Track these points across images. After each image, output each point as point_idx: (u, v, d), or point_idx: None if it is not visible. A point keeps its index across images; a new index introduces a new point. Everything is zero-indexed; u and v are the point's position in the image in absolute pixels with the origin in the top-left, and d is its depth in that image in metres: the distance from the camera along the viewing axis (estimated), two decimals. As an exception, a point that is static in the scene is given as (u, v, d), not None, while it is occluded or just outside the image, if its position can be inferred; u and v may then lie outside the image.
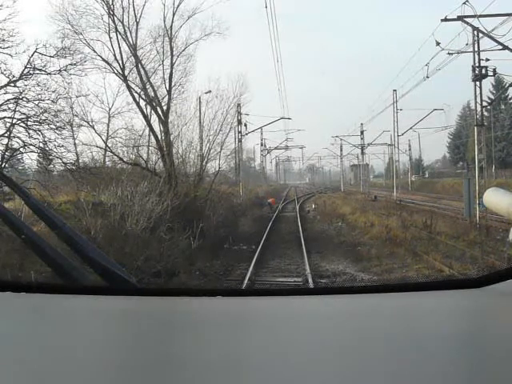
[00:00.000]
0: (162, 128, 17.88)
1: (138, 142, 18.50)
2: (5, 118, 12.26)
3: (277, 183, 79.46)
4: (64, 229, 1.47)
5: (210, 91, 20.53)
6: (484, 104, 19.40)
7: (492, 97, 41.19)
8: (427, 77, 22.45)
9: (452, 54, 18.49)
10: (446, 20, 17.58)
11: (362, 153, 48.98)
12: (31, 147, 12.46)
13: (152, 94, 17.95)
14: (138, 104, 18.11)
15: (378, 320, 1.09)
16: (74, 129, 16.26)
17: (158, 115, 17.90)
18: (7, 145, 12.34)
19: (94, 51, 16.88)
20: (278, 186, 70.87)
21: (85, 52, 16.14)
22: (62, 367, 0.83)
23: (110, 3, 17.05)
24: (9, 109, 12.28)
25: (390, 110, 37.77)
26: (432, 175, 61.93)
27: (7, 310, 1.26)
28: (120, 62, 17.35)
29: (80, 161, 16.56)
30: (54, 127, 12.82)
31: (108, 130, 20.62)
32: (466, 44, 17.58)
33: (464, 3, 16.52)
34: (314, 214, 26.23)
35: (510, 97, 48.46)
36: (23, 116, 12.40)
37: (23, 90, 12.40)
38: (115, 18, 17.16)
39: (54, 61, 13.18)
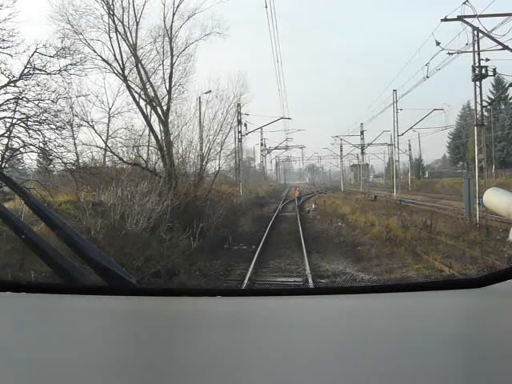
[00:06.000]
0: (162, 128, 17.91)
1: (138, 142, 18.56)
2: (5, 118, 12.26)
3: (277, 183, 79.53)
4: (64, 229, 1.47)
5: (210, 91, 20.60)
6: (484, 104, 19.38)
7: (492, 97, 41.18)
8: (427, 77, 22.47)
9: (452, 53, 18.49)
10: (445, 20, 17.56)
11: (362, 153, 49.00)
12: (31, 147, 12.47)
13: (152, 93, 17.98)
14: (138, 104, 18.15)
15: (378, 320, 1.08)
16: (74, 129, 16.28)
17: (158, 115, 17.91)
18: (7, 145, 12.34)
19: (94, 51, 16.94)
20: (278, 186, 70.94)
21: (85, 52, 16.19)
22: (62, 367, 0.83)
23: (110, 3, 17.09)
24: (9, 109, 12.29)
25: (390, 110, 37.83)
26: (432, 175, 61.93)
27: (7, 309, 1.26)
28: (120, 61, 17.39)
29: (80, 161, 16.58)
30: (54, 127, 12.83)
31: (108, 130, 20.68)
32: (466, 44, 17.60)
33: (464, 3, 16.52)
34: (313, 213, 26.22)
35: (510, 97, 48.43)
36: (23, 116, 12.40)
37: (23, 90, 12.41)
38: (115, 18, 17.21)
39: (53, 61, 13.20)
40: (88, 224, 10.30)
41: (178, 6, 18.46)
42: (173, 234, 11.48)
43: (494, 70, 17.61)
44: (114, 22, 17.16)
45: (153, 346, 0.97)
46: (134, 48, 17.49)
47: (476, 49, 17.40)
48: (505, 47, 16.84)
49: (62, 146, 13.16)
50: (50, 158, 13.28)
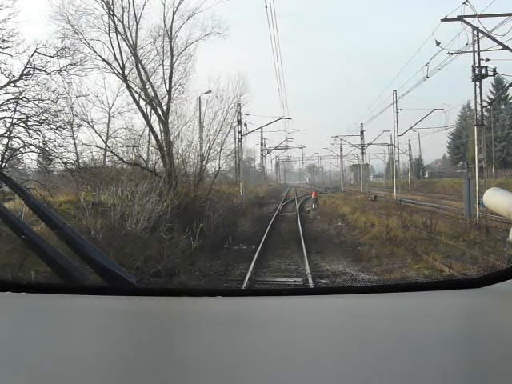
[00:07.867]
0: (162, 128, 17.90)
1: (138, 141, 18.55)
2: (5, 118, 12.26)
3: (277, 183, 79.55)
4: (64, 229, 1.47)
5: (210, 91, 20.60)
6: (484, 104, 19.36)
7: (492, 97, 41.17)
8: (427, 77, 22.46)
9: (452, 53, 18.48)
10: (445, 20, 17.56)
11: (362, 153, 49.00)
12: (31, 147, 12.47)
13: (152, 93, 17.97)
14: (138, 104, 18.14)
15: (378, 320, 1.08)
16: (74, 129, 16.26)
17: (158, 115, 17.91)
18: (7, 145, 12.34)
19: (94, 51, 16.92)
20: (278, 186, 70.93)
21: (85, 52, 16.17)
22: (62, 367, 0.83)
23: (110, 3, 17.07)
24: (9, 109, 12.28)
25: (390, 110, 37.84)
26: (432, 175, 61.94)
27: (7, 309, 1.26)
28: (120, 61, 17.38)
29: (80, 161, 16.57)
30: (54, 127, 12.83)
31: (108, 130, 20.68)
32: (466, 44, 17.58)
33: (464, 3, 16.51)
34: (313, 214, 26.22)
35: (510, 97, 48.42)
36: (23, 116, 12.40)
37: (23, 90, 12.40)
38: (115, 18, 17.19)
39: (53, 61, 13.19)
40: (88, 224, 10.30)
41: (177, 6, 18.47)
42: (173, 234, 11.47)
43: (494, 70, 17.60)
44: (113, 21, 17.17)
45: (153, 345, 0.97)
46: (134, 48, 17.48)
47: (476, 49, 17.39)
48: (505, 47, 16.83)
49: (62, 145, 13.18)
50: (50, 157, 13.28)
